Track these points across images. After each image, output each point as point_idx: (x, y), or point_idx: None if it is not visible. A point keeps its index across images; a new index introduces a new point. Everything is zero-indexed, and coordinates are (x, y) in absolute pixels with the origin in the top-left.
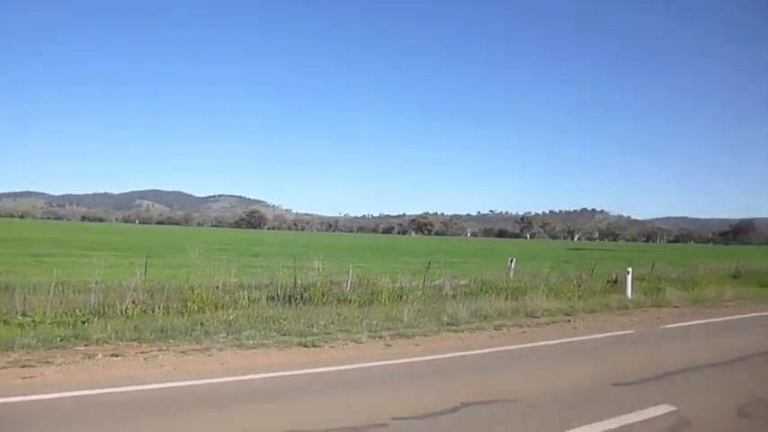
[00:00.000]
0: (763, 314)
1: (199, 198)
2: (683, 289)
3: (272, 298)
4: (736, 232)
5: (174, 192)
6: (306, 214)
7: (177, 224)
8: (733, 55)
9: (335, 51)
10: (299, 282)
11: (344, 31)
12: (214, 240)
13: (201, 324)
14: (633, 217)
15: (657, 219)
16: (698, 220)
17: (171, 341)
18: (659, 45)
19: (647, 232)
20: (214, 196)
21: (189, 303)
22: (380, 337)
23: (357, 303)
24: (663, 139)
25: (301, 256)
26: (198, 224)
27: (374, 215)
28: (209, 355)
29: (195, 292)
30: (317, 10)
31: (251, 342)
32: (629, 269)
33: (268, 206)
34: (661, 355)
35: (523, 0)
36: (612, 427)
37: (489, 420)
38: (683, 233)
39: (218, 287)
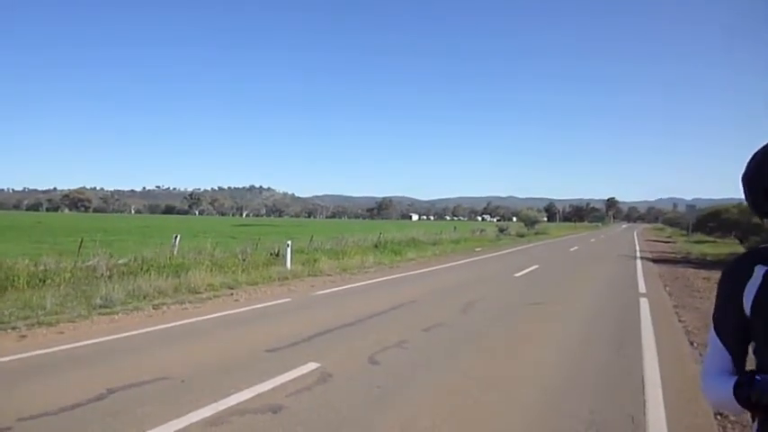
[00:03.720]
0: (393, 277)
1: None
2: (335, 259)
3: None
4: (380, 208)
5: None
6: None
7: None
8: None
9: None
10: None
11: None
12: None
13: None
14: (297, 194)
15: (318, 196)
16: (351, 197)
17: None
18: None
19: (309, 209)
20: None
21: None
22: (14, 329)
23: None
24: (318, 121)
25: None
26: None
27: (15, 189)
28: None
29: None
30: None
31: None
32: (289, 242)
33: None
34: (311, 320)
35: None
36: (265, 389)
37: (138, 402)
38: (339, 209)
39: None
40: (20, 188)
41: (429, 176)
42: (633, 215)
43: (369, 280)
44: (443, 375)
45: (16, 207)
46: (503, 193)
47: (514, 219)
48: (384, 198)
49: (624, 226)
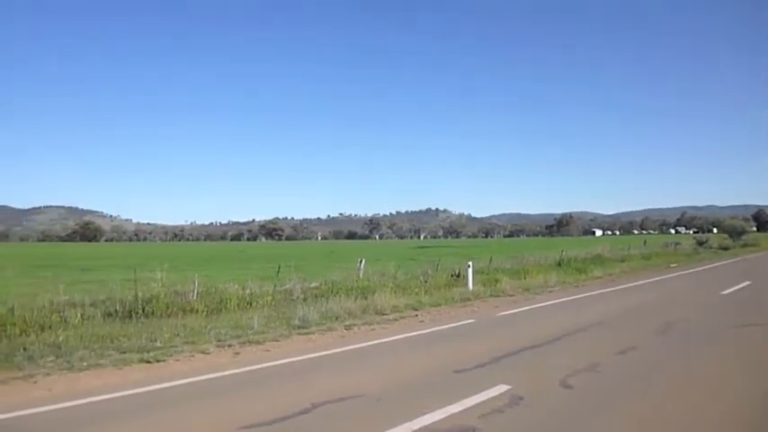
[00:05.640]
0: (579, 296)
1: (21, 210)
2: (516, 278)
3: (110, 314)
4: (560, 225)
5: None
6: (148, 224)
7: None
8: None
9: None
10: (140, 295)
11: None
12: (36, 255)
13: (24, 349)
14: (473, 215)
15: (494, 216)
16: (528, 215)
17: None
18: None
19: (486, 228)
20: (38, 207)
21: (9, 327)
22: (229, 346)
23: (204, 313)
24: (493, 140)
25: (142, 267)
26: (21, 239)
27: (222, 222)
28: (34, 383)
29: (16, 313)
30: None
31: (84, 364)
32: (470, 263)
33: (104, 217)
34: (497, 341)
35: None
36: (456, 410)
37: (340, 417)
38: (517, 228)
39: (44, 306)
40: (225, 221)
41: (612, 188)
42: None
43: (553, 300)
44: (642, 404)
45: (222, 238)
46: (699, 202)
47: (714, 230)
48: (563, 214)
49: None
